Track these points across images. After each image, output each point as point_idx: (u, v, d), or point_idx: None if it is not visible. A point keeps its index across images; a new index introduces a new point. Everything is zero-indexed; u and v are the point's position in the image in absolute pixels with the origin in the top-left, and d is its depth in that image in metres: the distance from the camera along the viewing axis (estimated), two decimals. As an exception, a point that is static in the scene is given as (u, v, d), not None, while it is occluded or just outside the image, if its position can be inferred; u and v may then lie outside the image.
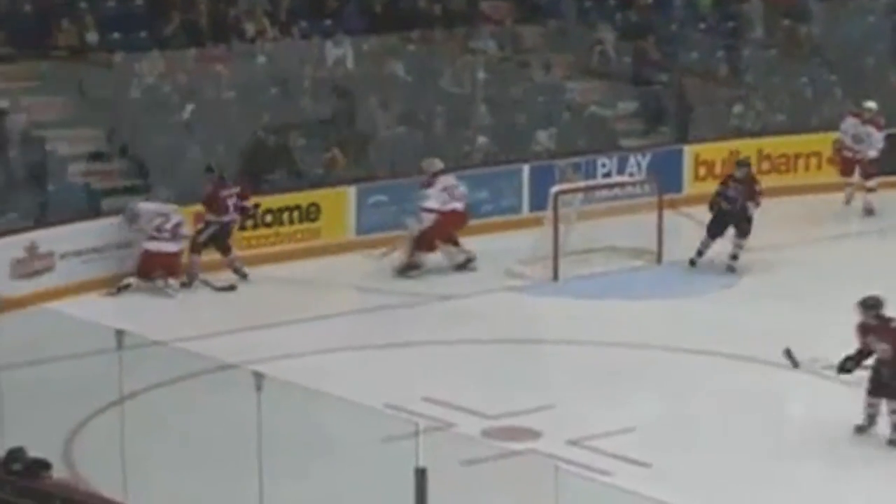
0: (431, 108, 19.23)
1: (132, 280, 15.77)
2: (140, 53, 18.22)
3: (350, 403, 10.95)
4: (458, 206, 16.72)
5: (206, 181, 16.45)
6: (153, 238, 15.86)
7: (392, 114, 19.05)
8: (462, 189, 16.84)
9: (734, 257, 16.32)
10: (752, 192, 16.32)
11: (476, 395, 12.78)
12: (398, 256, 16.56)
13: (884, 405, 11.87)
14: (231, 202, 16.35)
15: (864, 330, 12.02)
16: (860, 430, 11.98)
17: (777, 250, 16.67)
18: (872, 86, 21.05)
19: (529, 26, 20.81)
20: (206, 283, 15.99)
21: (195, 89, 18.21)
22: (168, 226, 15.92)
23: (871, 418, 11.98)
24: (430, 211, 16.50)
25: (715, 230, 16.40)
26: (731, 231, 16.38)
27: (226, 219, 16.31)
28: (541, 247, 16.46)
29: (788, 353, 12.43)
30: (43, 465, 9.20)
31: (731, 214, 16.29)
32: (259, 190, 17.44)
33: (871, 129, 18.61)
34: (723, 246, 16.46)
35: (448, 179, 16.78)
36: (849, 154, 18.71)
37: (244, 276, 16.27)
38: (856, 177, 18.67)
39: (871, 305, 12.02)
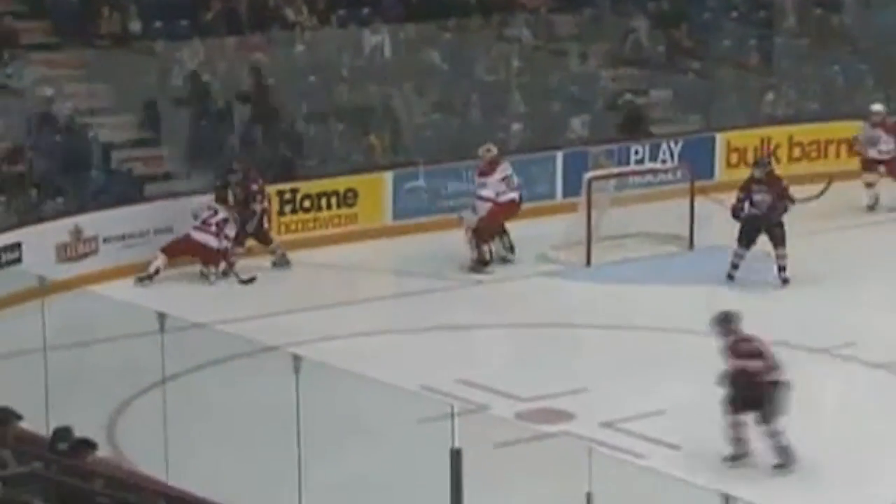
0: (466, 96, 19.23)
1: (159, 264, 15.66)
2: (181, 42, 18.28)
3: (386, 385, 10.99)
4: (514, 196, 16.47)
5: (235, 182, 16.24)
6: (199, 229, 15.88)
7: (428, 101, 19.06)
8: (516, 178, 16.58)
9: (782, 269, 15.46)
10: (781, 190, 15.51)
11: (510, 378, 12.80)
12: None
13: (754, 429, 11.07)
14: (260, 193, 16.22)
15: (725, 351, 11.26)
16: (734, 459, 11.13)
17: (808, 237, 16.54)
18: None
19: (563, 15, 20.77)
20: (234, 274, 15.92)
21: (235, 77, 18.27)
22: (214, 220, 15.93)
23: (739, 443, 11.12)
24: (486, 200, 16.27)
25: (747, 239, 15.53)
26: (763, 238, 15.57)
27: (258, 208, 16.24)
28: (574, 232, 16.45)
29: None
30: (89, 445, 9.26)
31: (760, 219, 15.43)
32: (297, 176, 17.51)
33: (879, 132, 18.26)
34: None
35: (507, 168, 16.49)
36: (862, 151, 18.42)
37: (287, 264, 16.24)
38: (872, 175, 18.26)
39: (721, 321, 11.28)
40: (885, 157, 18.18)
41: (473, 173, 16.76)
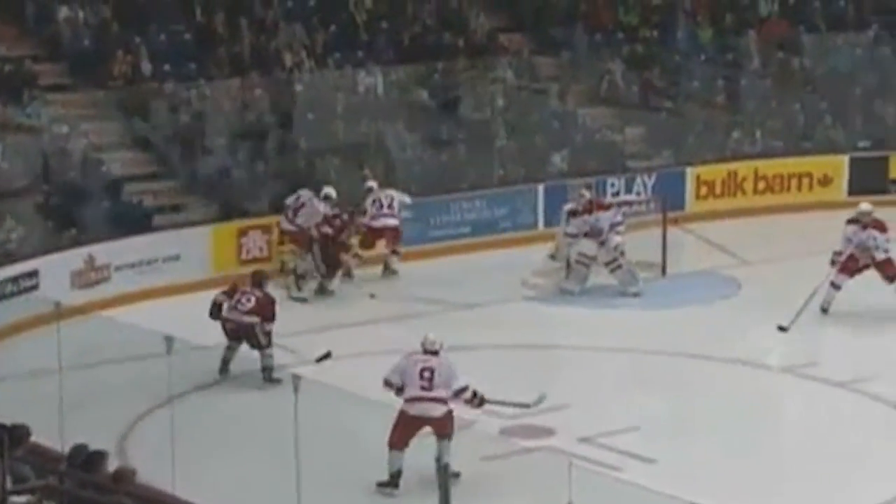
0: (454, 133, 19.25)
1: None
2: (188, 83, 18.28)
3: (379, 403, 10.94)
4: None
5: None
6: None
7: (418, 137, 19.07)
8: None
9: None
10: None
11: (495, 396, 12.72)
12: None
13: None
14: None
15: None
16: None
17: (774, 263, 16.60)
18: (860, 112, 21.07)
19: (544, 57, 20.81)
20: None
21: (238, 116, 18.28)
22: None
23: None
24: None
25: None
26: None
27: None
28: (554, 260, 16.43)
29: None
30: (100, 456, 9.17)
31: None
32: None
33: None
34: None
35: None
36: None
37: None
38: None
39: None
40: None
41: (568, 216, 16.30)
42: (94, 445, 9.38)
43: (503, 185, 18.79)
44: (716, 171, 19.73)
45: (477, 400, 11.12)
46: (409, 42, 19.96)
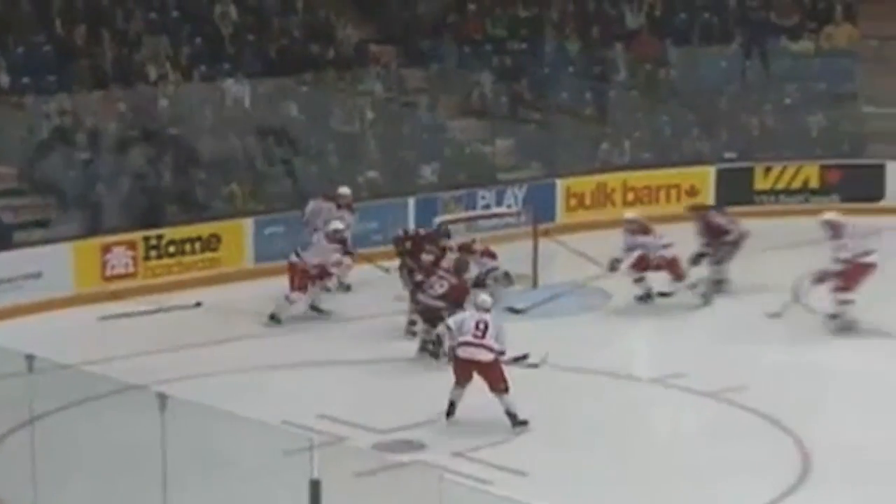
0: (323, 145, 19.22)
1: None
2: (49, 96, 18.00)
3: (249, 420, 10.86)
4: None
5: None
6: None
7: (286, 150, 19.00)
8: None
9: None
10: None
11: (367, 411, 12.75)
12: None
13: None
14: None
15: None
16: None
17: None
18: (725, 124, 21.49)
19: (413, 69, 20.91)
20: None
21: (100, 129, 18.04)
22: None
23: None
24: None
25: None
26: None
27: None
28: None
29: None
30: None
31: None
32: (162, 223, 17.33)
33: (345, 213, 16.82)
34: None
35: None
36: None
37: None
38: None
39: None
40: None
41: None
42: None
43: (373, 198, 18.80)
44: (585, 183, 19.98)
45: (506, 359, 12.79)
46: (276, 54, 19.89)
